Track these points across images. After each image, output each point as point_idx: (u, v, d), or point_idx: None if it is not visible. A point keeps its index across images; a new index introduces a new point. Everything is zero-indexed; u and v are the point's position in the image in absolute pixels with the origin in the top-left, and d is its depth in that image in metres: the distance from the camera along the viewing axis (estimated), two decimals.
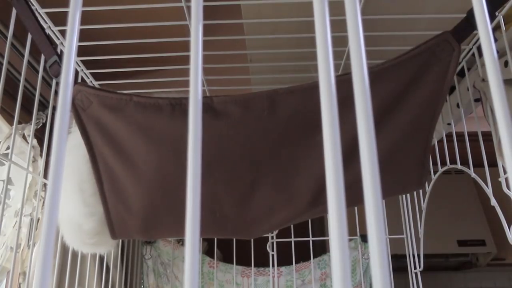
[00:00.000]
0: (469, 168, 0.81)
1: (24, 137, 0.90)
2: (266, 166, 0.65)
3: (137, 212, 0.67)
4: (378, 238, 0.14)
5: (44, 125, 0.93)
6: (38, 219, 0.88)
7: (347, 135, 0.60)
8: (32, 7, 0.66)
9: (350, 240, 1.26)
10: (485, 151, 0.76)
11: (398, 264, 1.23)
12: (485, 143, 0.76)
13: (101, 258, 1.05)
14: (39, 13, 0.71)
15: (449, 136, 0.91)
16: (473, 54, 0.82)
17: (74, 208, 0.67)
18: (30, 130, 0.85)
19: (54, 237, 0.15)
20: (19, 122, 0.88)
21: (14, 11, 0.65)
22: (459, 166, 0.84)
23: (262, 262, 1.24)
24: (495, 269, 1.95)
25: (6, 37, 0.79)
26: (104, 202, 0.67)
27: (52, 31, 0.75)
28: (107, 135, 0.64)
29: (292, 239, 1.19)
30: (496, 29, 0.74)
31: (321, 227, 1.83)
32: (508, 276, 2.07)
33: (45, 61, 0.65)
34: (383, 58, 0.63)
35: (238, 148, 0.64)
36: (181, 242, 1.31)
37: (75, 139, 0.67)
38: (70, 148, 0.68)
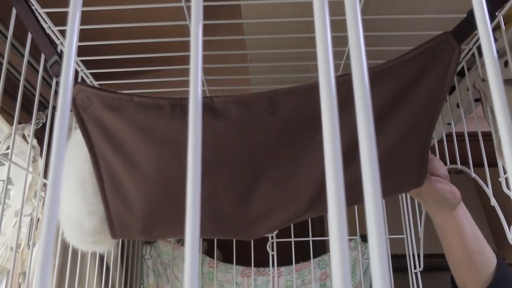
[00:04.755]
0: (469, 168, 0.81)
1: (24, 137, 0.90)
2: (266, 166, 0.65)
3: (138, 212, 0.67)
4: (378, 238, 0.14)
5: (44, 125, 0.93)
6: (38, 219, 0.88)
7: (347, 136, 0.60)
8: (32, 7, 0.66)
9: (350, 240, 1.26)
10: (485, 151, 0.76)
11: (398, 264, 1.23)
12: (485, 143, 0.76)
13: (101, 258, 1.05)
14: (39, 13, 0.71)
15: (449, 136, 0.91)
16: (473, 54, 0.82)
17: (75, 206, 0.67)
18: (30, 130, 0.85)
19: (54, 237, 0.15)
20: (19, 122, 0.88)
21: (14, 11, 0.65)
22: (459, 166, 0.84)
23: (262, 262, 1.24)
24: None
25: (6, 37, 0.79)
26: (105, 202, 0.67)
27: (52, 31, 0.75)
28: (108, 135, 0.64)
29: (292, 239, 1.19)
30: (496, 29, 0.74)
31: (321, 227, 1.83)
32: None
33: (45, 61, 0.65)
34: (383, 58, 0.63)
35: (239, 148, 0.64)
36: (181, 242, 1.31)
37: (77, 138, 0.67)
38: (72, 146, 0.68)
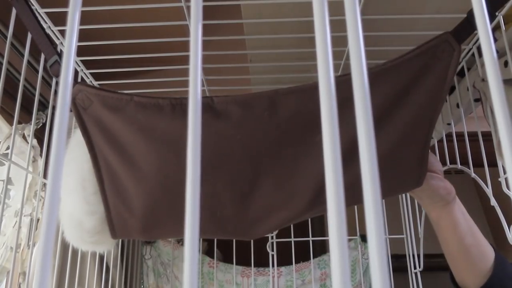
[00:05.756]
0: (469, 168, 0.81)
1: (24, 137, 0.90)
2: (266, 166, 0.65)
3: (138, 212, 0.67)
4: (377, 238, 0.14)
5: (44, 125, 0.94)
6: (38, 219, 0.88)
7: (347, 136, 0.60)
8: (32, 7, 0.66)
9: (350, 240, 1.26)
10: (485, 151, 0.76)
11: (398, 264, 1.23)
12: (485, 143, 0.76)
13: (101, 258, 1.05)
14: (39, 13, 0.71)
15: (449, 136, 0.91)
16: (473, 54, 0.82)
17: (75, 205, 0.67)
18: (30, 130, 0.85)
19: (53, 237, 0.15)
20: (19, 122, 0.88)
21: (14, 11, 0.65)
22: (459, 166, 0.84)
23: (262, 262, 1.24)
24: None
25: (6, 37, 0.79)
26: (105, 202, 0.67)
27: (52, 31, 0.75)
28: (108, 134, 0.64)
29: (292, 239, 1.19)
30: (496, 29, 0.74)
31: (321, 227, 1.83)
32: None
33: (45, 61, 0.65)
34: (383, 58, 0.63)
35: (239, 148, 0.64)
36: (181, 242, 1.31)
37: (78, 137, 0.67)
38: (73, 146, 0.68)
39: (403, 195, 1.22)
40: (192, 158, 0.15)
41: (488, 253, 0.67)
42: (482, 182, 0.77)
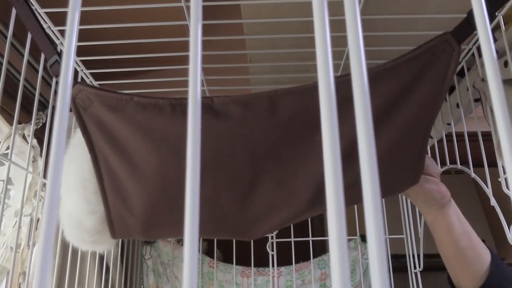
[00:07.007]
0: (469, 168, 0.81)
1: (24, 137, 0.90)
2: (266, 166, 0.65)
3: (137, 212, 0.67)
4: (377, 238, 0.14)
5: (44, 125, 0.94)
6: (38, 219, 0.88)
7: (346, 136, 0.60)
8: (32, 7, 0.66)
9: (349, 240, 1.26)
10: (485, 151, 0.76)
11: (398, 264, 1.23)
12: (485, 143, 0.76)
13: (101, 258, 1.05)
14: (39, 13, 0.71)
15: (449, 136, 0.91)
16: (473, 54, 0.82)
17: (75, 205, 0.67)
18: (30, 130, 0.85)
19: (53, 237, 0.15)
20: (19, 122, 0.88)
21: (14, 11, 0.65)
22: (459, 166, 0.84)
23: (262, 262, 1.24)
24: None
25: (6, 37, 0.79)
26: (105, 201, 0.67)
27: (52, 31, 0.75)
28: (108, 134, 0.64)
29: (292, 239, 1.19)
30: (495, 29, 0.74)
31: (321, 227, 1.83)
32: None
33: (45, 61, 0.65)
34: (383, 58, 0.63)
35: (239, 148, 0.64)
36: (181, 242, 1.31)
37: (78, 137, 0.67)
38: (74, 145, 0.68)
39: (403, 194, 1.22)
40: (192, 158, 0.15)
41: (484, 255, 0.68)
42: (482, 182, 0.77)
